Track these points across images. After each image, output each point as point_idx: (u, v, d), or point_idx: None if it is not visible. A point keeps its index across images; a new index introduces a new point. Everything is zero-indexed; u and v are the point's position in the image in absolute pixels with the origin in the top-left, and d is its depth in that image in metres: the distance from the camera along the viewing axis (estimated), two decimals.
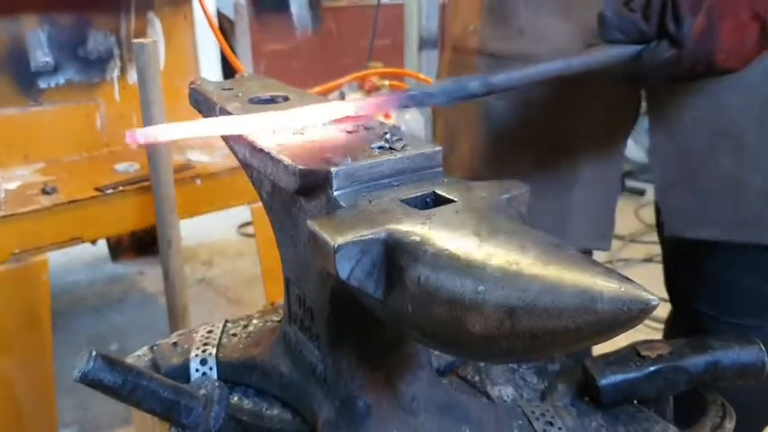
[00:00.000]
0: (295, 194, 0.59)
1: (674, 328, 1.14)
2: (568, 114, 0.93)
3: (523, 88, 0.72)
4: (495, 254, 0.43)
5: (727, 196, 0.90)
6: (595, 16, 0.85)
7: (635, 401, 0.75)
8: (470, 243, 0.44)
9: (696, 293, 1.03)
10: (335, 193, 0.54)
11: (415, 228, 0.48)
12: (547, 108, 0.93)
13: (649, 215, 3.08)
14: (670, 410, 0.76)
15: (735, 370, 0.74)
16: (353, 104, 0.63)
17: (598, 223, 0.97)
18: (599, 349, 0.69)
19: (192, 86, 0.79)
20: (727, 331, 0.99)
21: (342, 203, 0.54)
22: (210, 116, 0.75)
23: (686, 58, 0.70)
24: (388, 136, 0.60)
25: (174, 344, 0.80)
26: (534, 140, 0.95)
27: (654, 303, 0.37)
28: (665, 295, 1.15)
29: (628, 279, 0.39)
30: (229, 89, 0.77)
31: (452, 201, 0.52)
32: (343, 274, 0.48)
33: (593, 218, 0.97)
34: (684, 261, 1.04)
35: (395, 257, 0.47)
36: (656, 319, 1.95)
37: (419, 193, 0.54)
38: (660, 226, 1.09)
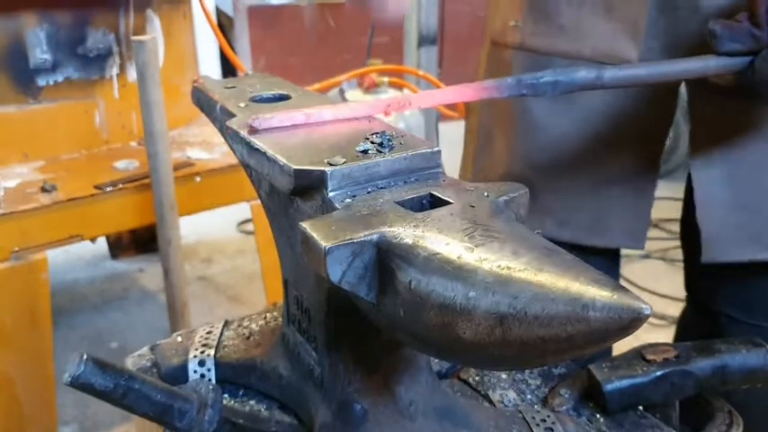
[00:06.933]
0: (291, 195, 0.58)
1: (689, 326, 1.13)
2: (610, 113, 0.92)
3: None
4: (488, 258, 0.42)
5: None
6: (637, 15, 0.85)
7: (640, 407, 0.74)
8: (463, 247, 0.43)
9: (719, 296, 1.01)
10: (330, 194, 0.54)
11: (407, 230, 0.47)
12: (589, 106, 0.92)
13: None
14: (676, 416, 0.75)
15: (742, 373, 0.73)
16: (454, 90, 0.65)
17: (634, 222, 0.96)
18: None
19: (194, 85, 0.79)
20: (746, 332, 0.96)
21: (336, 205, 0.53)
22: (212, 115, 0.74)
23: None
24: (374, 138, 0.58)
25: (174, 344, 0.79)
26: (574, 138, 0.94)
27: (647, 313, 0.36)
28: (665, 291, 1.14)
29: (621, 287, 0.38)
30: (232, 87, 0.77)
31: (449, 203, 0.51)
32: (335, 277, 0.47)
33: (630, 217, 0.96)
34: (709, 265, 1.02)
35: (387, 260, 0.47)
36: (656, 315, 1.94)
37: (415, 195, 0.54)
38: (685, 227, 1.07)
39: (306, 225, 0.49)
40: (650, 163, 0.95)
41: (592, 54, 0.89)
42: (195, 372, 0.76)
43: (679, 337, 1.15)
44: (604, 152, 0.94)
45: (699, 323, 1.08)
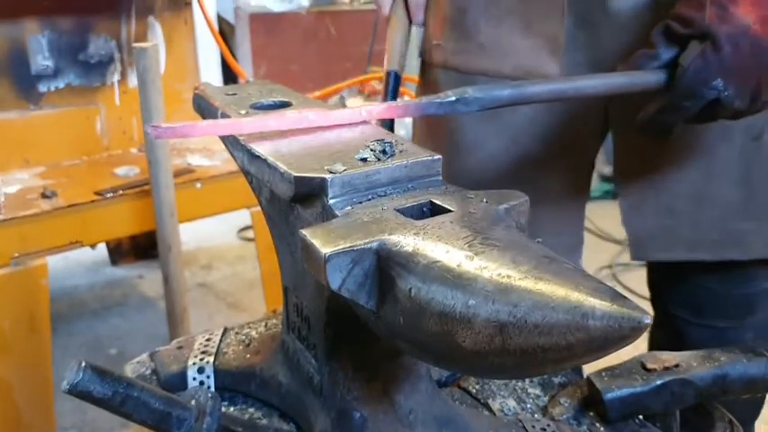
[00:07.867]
0: (292, 202, 0.58)
1: (654, 330, 1.14)
2: (537, 131, 0.92)
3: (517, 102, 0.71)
4: (488, 267, 0.42)
5: (695, 213, 0.90)
6: (555, 31, 0.87)
7: (641, 416, 0.74)
8: (463, 255, 0.43)
9: (671, 297, 1.03)
10: (330, 201, 0.54)
11: (407, 238, 0.47)
12: (515, 124, 0.92)
13: None
14: (676, 425, 0.74)
15: (743, 383, 0.73)
16: (376, 108, 0.64)
17: (567, 237, 0.98)
18: (604, 362, 0.67)
19: (195, 91, 0.79)
20: (700, 334, 1.00)
21: (337, 212, 0.53)
22: None
23: (723, 43, 0.67)
24: (375, 145, 0.59)
25: (174, 351, 0.79)
26: (503, 157, 0.95)
27: (646, 321, 0.36)
28: None
29: (621, 296, 0.38)
30: (233, 94, 0.77)
31: (449, 210, 0.51)
32: (334, 285, 0.47)
33: (563, 232, 0.97)
34: (659, 266, 1.04)
35: (387, 268, 0.47)
36: None
37: (415, 203, 0.54)
38: None
39: (306, 232, 0.49)
40: (580, 180, 0.96)
41: (512, 71, 0.89)
42: (194, 379, 0.75)
43: (648, 340, 1.17)
44: (534, 170, 0.94)
45: (662, 326, 1.10)
